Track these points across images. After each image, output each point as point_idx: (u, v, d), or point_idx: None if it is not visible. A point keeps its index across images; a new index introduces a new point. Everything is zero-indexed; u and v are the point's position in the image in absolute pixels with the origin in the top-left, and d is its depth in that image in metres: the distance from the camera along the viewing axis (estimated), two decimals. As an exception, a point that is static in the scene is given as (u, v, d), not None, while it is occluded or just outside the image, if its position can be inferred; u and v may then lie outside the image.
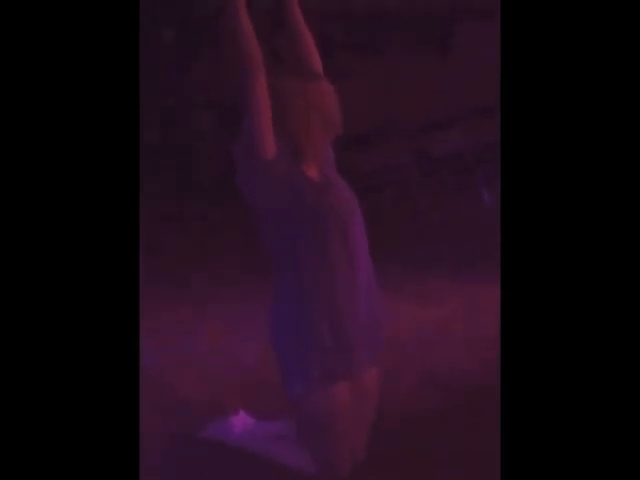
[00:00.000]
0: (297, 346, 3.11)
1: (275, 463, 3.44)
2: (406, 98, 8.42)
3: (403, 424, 3.88)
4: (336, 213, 3.05)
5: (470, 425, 3.85)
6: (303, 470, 3.34)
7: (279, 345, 3.17)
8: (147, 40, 5.78)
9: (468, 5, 8.12)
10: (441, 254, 6.45)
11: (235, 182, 3.03)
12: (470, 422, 3.87)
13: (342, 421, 3.19)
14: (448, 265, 6.18)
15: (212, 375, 4.59)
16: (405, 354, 4.78)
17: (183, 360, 4.86)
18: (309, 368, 3.08)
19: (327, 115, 3.01)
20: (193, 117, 7.62)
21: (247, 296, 5.38)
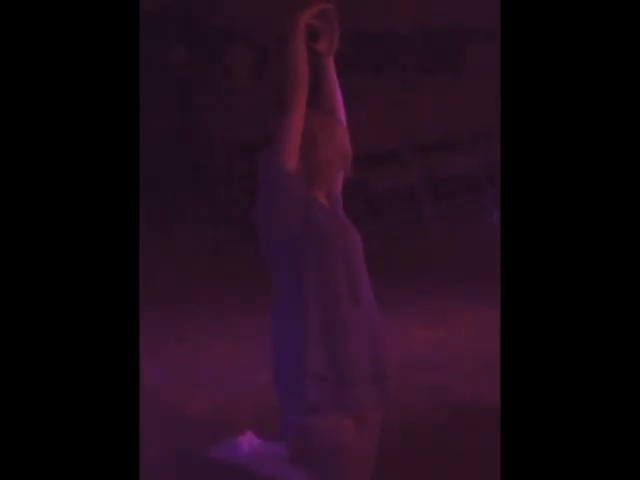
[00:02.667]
0: (293, 373, 3.13)
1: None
2: (416, 118, 8.45)
3: (404, 439, 3.89)
4: (343, 242, 3.14)
5: (470, 444, 3.85)
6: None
7: (277, 370, 3.19)
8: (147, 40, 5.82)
9: (481, 27, 8.16)
10: (449, 274, 6.46)
11: (252, 214, 3.11)
12: (470, 441, 3.87)
13: (341, 450, 3.18)
14: (456, 285, 6.18)
15: (220, 395, 4.60)
16: (408, 371, 4.78)
17: (190, 380, 4.86)
18: (303, 395, 3.09)
19: (345, 157, 3.19)
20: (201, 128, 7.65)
21: (255, 313, 5.39)
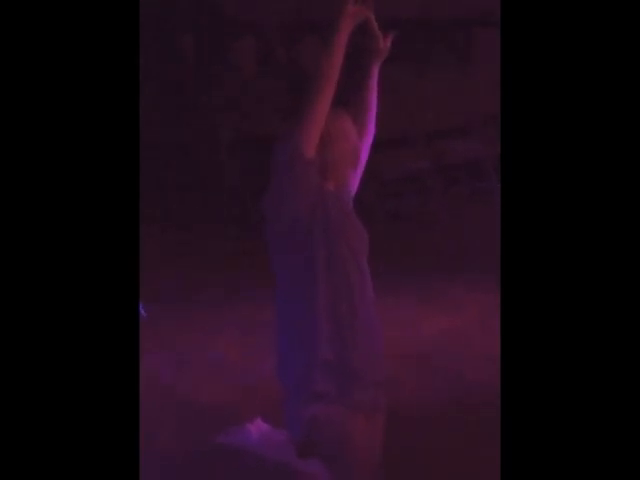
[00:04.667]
0: (301, 362, 3.14)
1: (291, 471, 3.45)
2: (425, 105, 8.43)
3: (405, 427, 3.90)
4: (350, 235, 3.18)
5: (471, 430, 3.87)
6: (318, 477, 3.35)
7: (283, 358, 3.20)
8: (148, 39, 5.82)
9: (490, 14, 8.13)
10: (457, 262, 6.46)
11: (262, 200, 3.15)
12: (472, 427, 3.89)
13: (348, 441, 3.19)
14: (461, 272, 6.18)
15: (230, 383, 4.62)
16: (413, 359, 4.80)
17: (200, 369, 4.89)
18: (311, 384, 3.11)
19: (356, 157, 3.25)
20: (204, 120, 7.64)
21: (264, 304, 5.40)
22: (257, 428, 3.69)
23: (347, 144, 3.19)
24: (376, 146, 3.46)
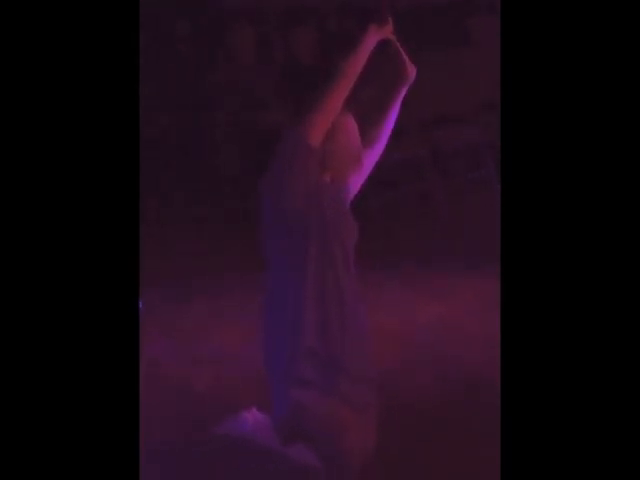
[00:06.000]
0: (289, 349, 3.18)
1: (285, 459, 3.45)
2: (421, 93, 8.40)
3: (404, 412, 3.91)
4: (341, 228, 3.29)
5: (471, 417, 3.87)
6: (310, 465, 3.36)
7: (270, 345, 3.24)
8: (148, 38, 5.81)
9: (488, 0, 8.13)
10: (455, 249, 6.45)
11: (260, 182, 3.24)
12: (471, 414, 3.89)
13: (335, 428, 3.22)
14: (461, 260, 6.17)
15: (226, 373, 4.62)
16: (410, 347, 4.80)
17: (198, 358, 4.89)
18: (296, 370, 3.15)
19: (356, 159, 3.39)
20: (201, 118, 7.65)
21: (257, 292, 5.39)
22: (253, 417, 3.70)
23: (349, 143, 3.33)
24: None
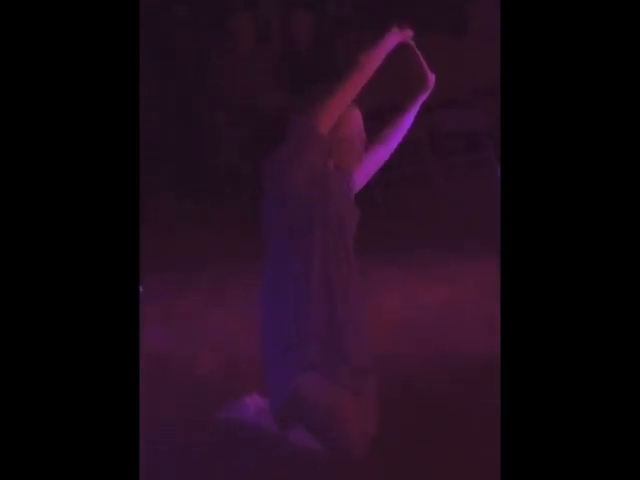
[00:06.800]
0: (292, 332, 3.20)
1: (286, 443, 3.47)
2: (421, 75, 8.37)
3: (403, 394, 3.92)
4: (347, 215, 3.40)
5: (471, 399, 3.87)
6: (312, 450, 3.38)
7: (271, 329, 3.26)
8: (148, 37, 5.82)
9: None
10: (454, 233, 6.44)
11: (263, 164, 3.34)
12: (471, 396, 3.89)
13: (333, 412, 3.24)
14: (459, 241, 6.16)
15: (227, 357, 4.63)
16: (410, 333, 4.80)
17: (199, 342, 4.89)
18: (299, 353, 3.17)
19: (359, 153, 3.51)
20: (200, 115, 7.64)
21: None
22: (254, 402, 3.73)
23: (353, 134, 3.44)
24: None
